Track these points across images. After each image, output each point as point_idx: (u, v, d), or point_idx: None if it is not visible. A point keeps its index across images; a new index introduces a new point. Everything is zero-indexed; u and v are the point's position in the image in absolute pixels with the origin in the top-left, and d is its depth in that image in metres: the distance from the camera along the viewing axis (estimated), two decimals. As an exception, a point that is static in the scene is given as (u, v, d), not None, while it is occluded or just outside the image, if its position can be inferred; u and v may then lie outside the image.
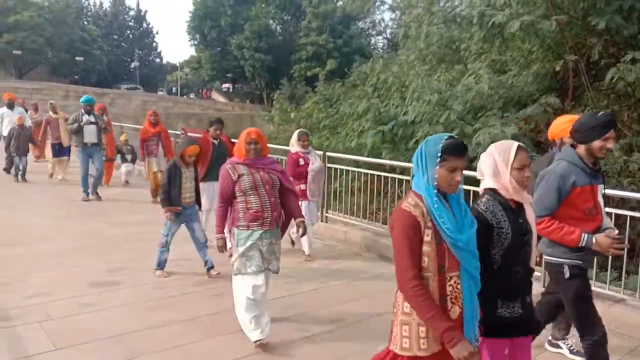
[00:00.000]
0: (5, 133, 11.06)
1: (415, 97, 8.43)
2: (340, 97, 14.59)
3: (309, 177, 5.61)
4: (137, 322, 3.90)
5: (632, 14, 7.97)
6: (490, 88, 7.97)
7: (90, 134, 8.44)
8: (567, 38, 8.58)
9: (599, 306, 3.04)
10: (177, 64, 66.68)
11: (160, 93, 55.25)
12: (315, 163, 5.70)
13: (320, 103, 15.18)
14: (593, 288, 4.13)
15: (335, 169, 7.15)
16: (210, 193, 5.67)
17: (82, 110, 8.47)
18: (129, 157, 10.52)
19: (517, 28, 7.89)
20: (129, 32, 61.27)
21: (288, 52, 44.23)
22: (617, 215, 4.27)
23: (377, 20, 45.73)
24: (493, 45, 9.49)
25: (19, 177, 10.11)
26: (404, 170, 7.22)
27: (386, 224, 6.38)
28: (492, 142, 6.91)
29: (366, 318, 4.15)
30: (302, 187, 5.58)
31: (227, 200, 3.59)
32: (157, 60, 64.35)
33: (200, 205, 5.16)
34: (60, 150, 10.20)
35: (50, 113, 10.29)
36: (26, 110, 13.55)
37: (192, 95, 61.15)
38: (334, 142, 12.06)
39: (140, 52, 60.62)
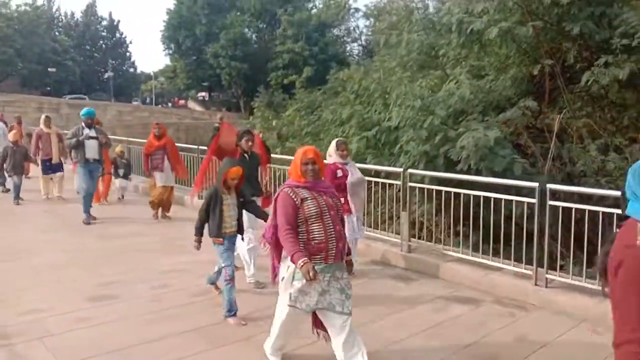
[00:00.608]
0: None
1: (398, 103, 8.58)
2: (321, 104, 14.70)
3: (349, 190, 5.19)
4: (137, 335, 3.89)
5: (602, 19, 8.27)
6: (470, 93, 8.17)
7: (91, 150, 7.81)
8: (543, 43, 8.84)
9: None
10: (152, 74, 66.08)
11: (135, 103, 54.61)
12: (355, 174, 5.30)
13: (302, 110, 15.27)
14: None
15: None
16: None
17: (82, 124, 7.82)
18: (121, 171, 9.94)
19: (496, 34, 8.11)
20: (101, 42, 60.49)
21: (264, 60, 44.25)
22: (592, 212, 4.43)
23: (351, 28, 46.14)
24: (471, 51, 9.72)
25: (15, 198, 9.38)
26: (389, 175, 7.37)
27: (376, 228, 6.49)
28: (476, 145, 7.15)
29: (367, 322, 4.22)
30: (342, 200, 5.29)
31: (294, 225, 3.09)
32: (131, 70, 63.64)
33: (242, 233, 4.52)
34: (51, 167, 9.65)
35: (42, 127, 9.75)
36: (6, 124, 13.26)
37: (169, 105, 60.65)
38: (317, 148, 12.14)
39: (113, 62, 59.88)
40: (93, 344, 3.72)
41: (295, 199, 3.11)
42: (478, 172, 7.14)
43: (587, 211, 4.45)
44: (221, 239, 4.22)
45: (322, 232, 3.08)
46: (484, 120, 8.28)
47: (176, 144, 8.71)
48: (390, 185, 6.74)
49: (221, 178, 4.18)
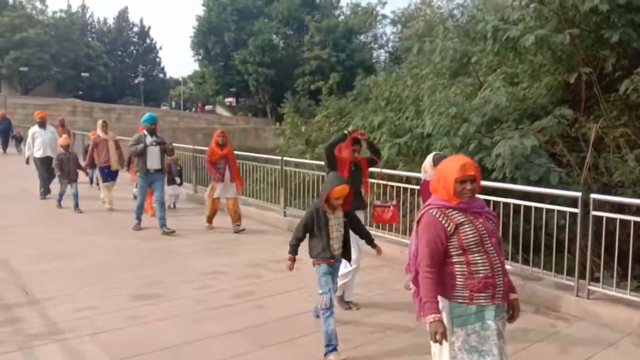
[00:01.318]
0: (38, 154, 10.22)
1: (432, 110, 8.58)
2: (350, 110, 14.77)
3: None
4: (185, 334, 4.01)
5: (643, 26, 8.15)
6: (506, 100, 8.13)
7: (154, 158, 7.40)
8: (580, 50, 8.75)
9: None
10: (180, 79, 67.29)
11: (163, 107, 55.69)
12: None
13: (331, 116, 15.36)
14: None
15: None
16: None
17: (144, 131, 7.46)
18: (177, 179, 9.49)
19: (532, 42, 8.06)
20: (132, 47, 61.89)
21: (291, 66, 44.70)
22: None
23: (378, 34, 46.39)
24: (506, 58, 9.67)
25: (75, 207, 8.94)
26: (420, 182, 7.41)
27: (405, 234, 6.51)
28: (512, 153, 7.12)
29: (406, 329, 4.25)
30: None
31: (439, 262, 2.47)
32: (161, 75, 64.86)
33: (348, 259, 4.08)
34: (110, 174, 9.23)
35: (100, 132, 9.29)
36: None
37: (194, 110, 61.71)
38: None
39: (144, 67, 61.18)
40: (141, 342, 3.85)
41: (446, 225, 2.46)
42: (513, 181, 7.10)
43: (632, 222, 4.41)
44: (332, 260, 3.83)
45: (487, 263, 2.45)
46: (519, 129, 8.23)
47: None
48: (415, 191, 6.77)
49: (323, 195, 3.74)
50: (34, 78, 46.97)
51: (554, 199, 5.53)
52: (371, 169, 5.56)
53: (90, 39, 56.55)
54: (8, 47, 42.62)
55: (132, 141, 7.46)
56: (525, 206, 5.24)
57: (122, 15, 61.83)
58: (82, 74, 48.81)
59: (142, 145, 7.29)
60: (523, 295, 4.90)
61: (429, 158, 4.90)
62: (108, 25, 61.44)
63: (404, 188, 6.76)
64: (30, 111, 30.85)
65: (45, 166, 10.09)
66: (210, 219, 7.83)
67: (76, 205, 8.90)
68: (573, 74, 8.57)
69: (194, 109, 58.24)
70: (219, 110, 58.34)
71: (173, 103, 63.75)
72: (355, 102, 15.03)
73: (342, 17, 48.24)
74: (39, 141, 10.20)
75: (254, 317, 4.41)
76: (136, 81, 58.57)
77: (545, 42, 8.46)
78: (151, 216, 8.28)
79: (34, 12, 49.57)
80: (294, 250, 3.92)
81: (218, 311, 4.53)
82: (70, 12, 54.47)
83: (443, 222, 2.46)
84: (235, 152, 8.28)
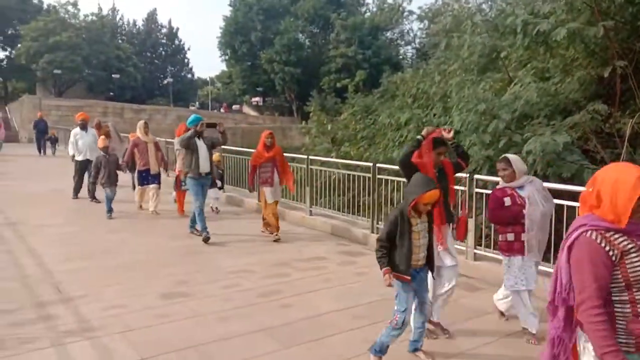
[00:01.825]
0: (80, 157, 10.20)
1: (460, 106, 8.44)
2: (377, 107, 14.67)
3: (527, 224, 3.89)
4: (212, 332, 4.04)
5: (682, 17, 7.84)
6: (537, 96, 7.92)
7: (204, 160, 6.94)
8: (614, 43, 8.46)
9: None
10: (208, 79, 68.08)
11: (192, 107, 56.43)
12: (538, 201, 3.95)
13: (357, 114, 15.29)
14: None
15: (386, 180, 7.23)
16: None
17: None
18: (219, 182, 9.18)
19: (563, 35, 7.83)
20: (161, 49, 62.83)
21: (317, 65, 44.71)
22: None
23: (405, 30, 45.99)
24: (536, 53, 9.43)
25: (107, 212, 8.56)
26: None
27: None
28: (543, 150, 6.95)
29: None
30: (510, 237, 3.98)
31: (605, 298, 1.92)
32: (189, 75, 65.74)
33: (432, 269, 3.64)
34: (147, 178, 8.78)
35: (140, 134, 8.86)
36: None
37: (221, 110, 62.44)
38: (373, 152, 12.13)
39: (172, 68, 62.06)
40: (170, 340, 3.89)
41: (610, 253, 1.91)
42: (544, 179, 6.92)
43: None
44: (409, 277, 3.40)
45: None
46: (550, 125, 8.02)
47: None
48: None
49: (410, 200, 3.33)
50: (67, 80, 48.18)
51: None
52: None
53: (120, 41, 57.65)
54: (42, 50, 43.82)
55: (182, 142, 6.95)
56: (557, 205, 5.10)
57: (151, 17, 62.85)
58: (113, 75, 49.84)
59: (191, 131, 6.78)
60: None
61: (514, 160, 4.04)
62: (137, 27, 62.54)
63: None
64: (64, 113, 31.75)
65: (83, 168, 10.23)
66: (267, 226, 7.37)
67: (109, 211, 8.54)
68: (607, 68, 8.29)
69: (220, 109, 58.83)
70: (246, 109, 58.80)
71: (197, 103, 64.46)
72: (381, 100, 14.92)
73: (368, 14, 48.01)
74: (80, 144, 10.22)
75: (281, 316, 4.41)
76: (165, 82, 59.47)
77: (578, 35, 8.21)
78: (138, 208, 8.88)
79: (66, 16, 50.81)
80: (384, 262, 3.42)
81: (244, 310, 4.55)
82: (101, 15, 55.65)
83: (607, 248, 1.91)
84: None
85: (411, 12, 44.52)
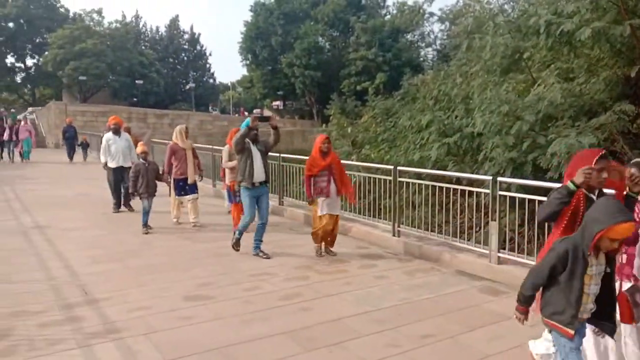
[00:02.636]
0: (112, 164, 9.48)
1: (482, 108, 8.35)
2: (397, 110, 14.60)
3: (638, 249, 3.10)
4: (235, 334, 4.07)
5: None
6: (561, 97, 7.79)
7: (259, 168, 6.31)
8: (641, 42, 8.28)
9: None
10: (229, 84, 68.73)
11: (214, 112, 57.04)
12: None
13: (378, 117, 15.23)
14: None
15: (407, 183, 7.19)
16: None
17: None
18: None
19: (588, 35, 7.69)
20: (183, 54, 63.71)
21: (337, 68, 44.76)
22: None
23: (426, 32, 45.73)
24: (560, 53, 9.28)
25: (143, 226, 7.89)
26: (471, 183, 7.22)
27: (455, 237, 6.36)
28: (568, 152, 6.83)
29: (457, 334, 4.14)
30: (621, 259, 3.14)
31: None
32: (211, 80, 66.48)
33: (610, 329, 2.77)
34: (184, 187, 8.20)
35: (178, 140, 8.18)
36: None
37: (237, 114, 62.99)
38: (394, 155, 12.07)
39: (194, 73, 62.86)
40: (194, 342, 3.93)
41: None
42: (570, 181, 6.80)
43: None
44: (571, 332, 2.62)
45: None
46: (575, 126, 7.88)
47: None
48: (471, 193, 6.61)
49: (595, 232, 2.47)
50: (92, 86, 49.28)
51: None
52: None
53: (143, 47, 58.70)
54: (68, 57, 44.93)
55: (233, 146, 6.37)
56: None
57: (174, 24, 63.81)
58: (136, 81, 50.75)
59: (244, 129, 6.16)
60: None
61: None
62: (160, 33, 63.57)
63: (453, 189, 6.60)
64: (89, 118, 32.39)
65: (118, 177, 9.51)
66: (320, 239, 6.50)
67: (145, 224, 7.86)
68: (634, 67, 8.11)
69: (237, 114, 59.27)
70: (267, 113, 59.17)
71: (215, 108, 65.06)
72: (402, 102, 14.84)
73: (388, 16, 47.90)
74: (113, 149, 9.48)
75: (301, 319, 4.42)
76: (187, 87, 60.26)
77: (603, 34, 8.06)
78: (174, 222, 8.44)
79: (91, 23, 52.12)
80: (528, 300, 2.78)
81: (266, 313, 4.57)
82: (124, 22, 56.80)
83: None
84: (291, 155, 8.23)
85: (432, 14, 44.33)
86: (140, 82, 50.93)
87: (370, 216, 7.80)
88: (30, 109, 41.88)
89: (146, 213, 7.88)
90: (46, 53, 47.70)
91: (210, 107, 63.32)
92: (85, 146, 21.77)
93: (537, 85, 8.46)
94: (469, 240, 6.49)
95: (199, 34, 65.59)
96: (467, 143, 9.29)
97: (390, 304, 4.81)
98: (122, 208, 9.71)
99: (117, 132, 9.56)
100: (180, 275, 5.67)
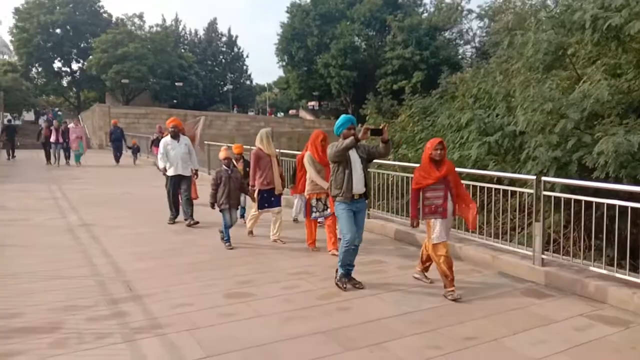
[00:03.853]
0: (170, 171, 8.48)
1: (525, 106, 8.14)
2: (436, 109, 14.39)
3: None
4: (276, 332, 4.10)
5: None
6: (609, 94, 7.51)
7: (359, 176, 5.15)
8: (696, 35, 7.89)
9: None
10: (266, 85, 69.40)
11: (250, 114, 57.75)
12: None
13: (415, 116, 15.06)
14: None
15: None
16: None
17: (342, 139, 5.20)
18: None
19: (638, 29, 7.39)
20: (221, 57, 64.74)
21: (373, 67, 44.48)
22: None
23: (464, 30, 44.87)
24: (607, 49, 8.94)
25: (225, 242, 6.97)
26: (513, 182, 7.04)
27: (497, 238, 6.22)
28: (616, 151, 6.57)
29: (500, 337, 4.05)
30: None
31: None
32: (248, 82, 67.33)
33: None
34: (269, 199, 7.17)
35: (262, 145, 7.15)
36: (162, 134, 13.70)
37: (280, 114, 63.58)
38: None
39: (232, 75, 63.77)
40: (235, 338, 3.99)
41: None
42: (617, 181, 6.55)
43: None
44: None
45: None
46: (623, 124, 7.58)
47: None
48: (513, 193, 6.45)
49: None
50: (134, 89, 50.66)
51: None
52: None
53: (182, 50, 59.94)
54: (112, 61, 46.36)
55: (335, 154, 5.11)
56: (632, 208, 4.81)
57: (212, 27, 64.93)
58: (176, 83, 51.92)
59: (350, 140, 4.97)
60: (632, 305, 4.50)
61: None
62: (199, 36, 64.78)
63: (495, 189, 6.46)
64: (131, 120, 33.35)
65: (176, 187, 8.58)
66: (448, 274, 5.00)
67: (227, 240, 6.95)
68: (688, 62, 7.76)
69: (265, 114, 59.80)
70: (302, 114, 59.50)
71: (252, 110, 65.94)
72: (440, 101, 14.63)
73: (425, 14, 47.31)
74: (172, 155, 8.45)
75: (341, 318, 4.42)
76: (225, 89, 61.25)
77: (655, 28, 7.72)
78: (248, 234, 7.60)
79: (133, 28, 53.57)
80: None
81: (305, 311, 4.59)
82: (164, 26, 58.16)
83: None
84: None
85: (470, 11, 43.32)
86: (180, 84, 52.06)
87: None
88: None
89: (227, 227, 6.97)
90: (90, 57, 49.34)
91: (250, 109, 64.22)
92: (135, 150, 21.26)
93: (582, 82, 8.19)
94: (511, 241, 6.35)
95: (237, 36, 66.57)
96: (508, 142, 9.08)
97: (430, 306, 4.75)
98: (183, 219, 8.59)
99: (175, 135, 8.53)
100: (221, 273, 5.77)
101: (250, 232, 7.65)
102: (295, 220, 8.69)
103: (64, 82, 57.47)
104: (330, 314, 4.54)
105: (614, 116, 7.92)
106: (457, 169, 6.99)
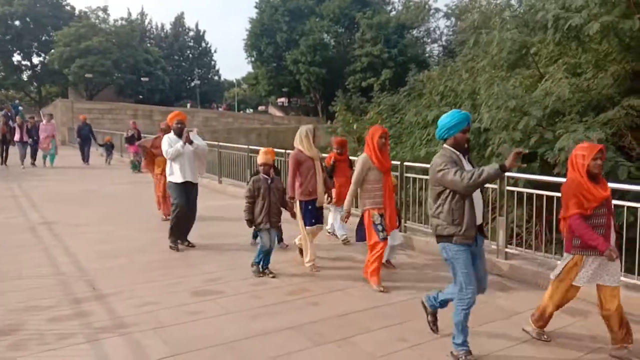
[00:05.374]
0: (179, 177, 6.55)
1: (489, 103, 8.33)
2: (403, 106, 14.58)
3: None
4: (244, 329, 4.08)
5: None
6: (569, 92, 7.75)
7: (480, 206, 3.69)
8: (650, 37, 8.21)
9: None
10: (234, 81, 68.77)
11: (220, 109, 57.14)
12: None
13: (384, 113, 15.22)
14: None
15: (414, 179, 7.18)
16: None
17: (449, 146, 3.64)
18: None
19: (597, 30, 7.64)
20: (188, 52, 63.76)
21: (342, 64, 44.64)
22: None
23: (432, 28, 45.53)
24: (568, 48, 9.23)
25: (261, 267, 5.52)
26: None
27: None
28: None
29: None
30: None
31: None
32: (216, 78, 66.53)
33: None
34: (315, 213, 5.74)
35: (302, 147, 5.70)
36: (139, 133, 13.10)
37: (249, 111, 63.16)
38: (400, 151, 12.06)
39: (199, 70, 62.91)
40: (204, 336, 3.94)
41: None
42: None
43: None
44: None
45: None
46: (583, 121, 7.84)
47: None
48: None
49: None
50: (98, 84, 49.37)
51: (622, 195, 5.23)
52: None
53: (148, 44, 58.73)
54: (75, 55, 45.01)
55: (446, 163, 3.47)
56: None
57: (179, 21, 63.83)
58: (142, 78, 50.84)
59: (496, 169, 3.32)
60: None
61: None
62: (165, 30, 63.62)
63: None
64: (95, 115, 32.49)
65: (184, 197, 6.62)
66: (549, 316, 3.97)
67: (265, 267, 5.53)
68: (643, 62, 8.08)
69: (219, 108, 59.01)
70: (272, 110, 59.21)
71: (213, 104, 65.26)
72: (408, 98, 14.82)
73: (393, 12, 47.75)
74: (179, 159, 6.59)
75: (310, 313, 4.43)
76: (192, 84, 60.39)
77: (612, 29, 8.00)
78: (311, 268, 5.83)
79: (97, 21, 52.12)
80: None
81: (274, 307, 4.58)
82: (130, 20, 56.81)
83: None
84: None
85: (437, 10, 44.13)
86: (146, 79, 51.03)
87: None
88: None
89: (266, 253, 5.48)
90: (52, 51, 47.82)
91: (218, 104, 63.53)
92: (109, 148, 18.75)
93: (544, 81, 8.43)
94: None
95: (204, 31, 65.70)
96: (474, 139, 9.27)
97: (398, 300, 4.81)
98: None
99: (181, 133, 6.63)
100: (188, 270, 5.69)
101: (312, 264, 5.73)
102: (347, 241, 6.88)
103: (24, 77, 55.54)
104: (300, 310, 4.55)
105: (574, 114, 8.18)
106: (423, 165, 6.89)
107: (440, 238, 3.66)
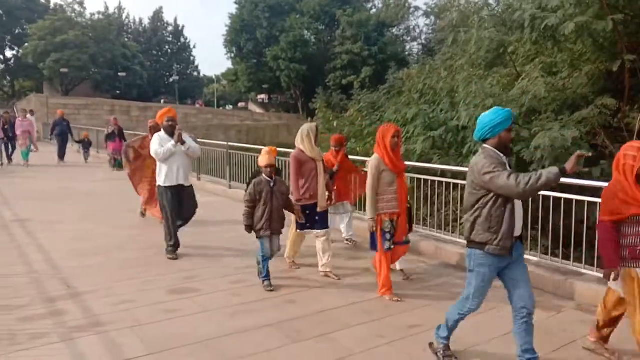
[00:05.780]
0: (169, 180, 6.05)
1: (467, 101, 8.41)
2: (383, 104, 14.64)
3: None
4: (221, 327, 4.05)
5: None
6: (545, 91, 7.88)
7: (520, 214, 3.41)
8: (623, 37, 8.40)
9: None
10: (214, 77, 68.22)
11: (197, 106, 56.61)
12: None
13: (363, 110, 15.26)
14: None
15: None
16: None
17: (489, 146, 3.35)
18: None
19: (572, 30, 7.78)
20: (167, 47, 63.02)
21: (323, 62, 44.68)
22: None
23: (411, 27, 45.88)
24: (545, 47, 9.38)
25: (265, 281, 5.06)
26: (456, 175, 7.26)
27: (440, 229, 6.42)
28: (552, 145, 6.90)
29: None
30: None
31: None
32: (195, 73, 65.88)
33: None
34: (315, 217, 5.41)
35: (304, 146, 5.39)
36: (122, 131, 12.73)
37: (229, 107, 62.72)
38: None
39: (178, 66, 62.24)
40: (181, 334, 3.91)
41: None
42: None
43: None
44: None
45: None
46: (558, 120, 7.99)
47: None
48: (456, 185, 6.66)
49: None
50: (74, 79, 48.43)
51: (595, 192, 5.34)
52: None
53: (126, 39, 57.84)
54: (49, 49, 44.05)
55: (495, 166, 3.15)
56: (565, 199, 5.08)
57: (157, 15, 63.01)
58: (119, 73, 50.06)
59: (556, 173, 3.07)
60: (564, 291, 4.76)
61: None
62: (143, 25, 62.73)
63: (439, 182, 6.64)
64: (71, 111, 31.86)
65: (175, 202, 6.13)
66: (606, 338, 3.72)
67: (266, 277, 5.07)
68: (616, 62, 8.24)
69: (196, 104, 58.52)
70: (252, 107, 58.95)
71: (194, 100, 64.71)
72: (387, 96, 14.89)
73: (374, 10, 47.92)
74: (170, 160, 6.05)
75: (288, 311, 4.43)
76: (171, 80, 59.69)
77: (586, 29, 8.16)
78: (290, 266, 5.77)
79: (73, 15, 51.09)
80: None
81: (253, 305, 4.56)
82: (107, 14, 55.90)
83: None
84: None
85: (417, 8, 44.58)
86: (123, 74, 50.25)
87: (359, 210, 7.78)
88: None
89: (266, 259, 5.08)
90: (26, 45, 46.73)
91: (196, 102, 62.94)
92: (87, 145, 17.97)
93: (521, 79, 8.55)
94: (453, 232, 6.55)
95: (183, 26, 64.99)
96: (452, 136, 9.36)
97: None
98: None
99: (173, 132, 6.09)
100: (165, 268, 5.63)
101: (292, 263, 5.72)
102: (353, 242, 6.79)
103: (-4, 71, 54.28)
104: (278, 307, 4.54)
105: (550, 112, 8.33)
106: (423, 165, 6.84)
107: (471, 244, 3.39)
